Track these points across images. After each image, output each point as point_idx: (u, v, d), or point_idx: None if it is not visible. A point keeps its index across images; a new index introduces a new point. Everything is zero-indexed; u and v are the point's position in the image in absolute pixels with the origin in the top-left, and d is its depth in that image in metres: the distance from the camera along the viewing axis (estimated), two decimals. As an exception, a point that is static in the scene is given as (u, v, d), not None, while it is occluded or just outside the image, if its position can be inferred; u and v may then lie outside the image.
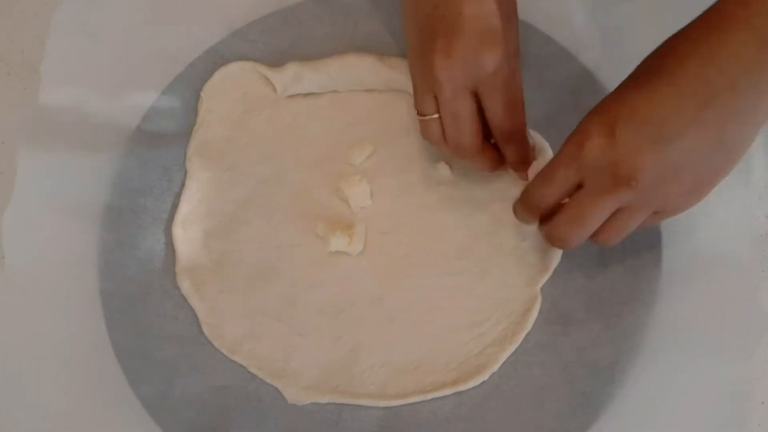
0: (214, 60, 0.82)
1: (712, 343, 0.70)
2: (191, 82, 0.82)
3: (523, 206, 0.69)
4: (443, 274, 0.76)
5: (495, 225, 0.76)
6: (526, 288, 0.74)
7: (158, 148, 0.81)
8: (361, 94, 0.82)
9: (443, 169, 0.78)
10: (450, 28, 0.67)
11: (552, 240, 0.67)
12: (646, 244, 0.73)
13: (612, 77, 0.78)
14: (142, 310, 0.76)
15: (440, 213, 0.77)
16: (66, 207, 0.78)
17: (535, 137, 0.76)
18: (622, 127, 0.61)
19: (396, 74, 0.80)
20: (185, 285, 0.77)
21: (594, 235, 0.66)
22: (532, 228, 0.75)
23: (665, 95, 0.61)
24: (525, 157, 0.72)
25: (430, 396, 0.72)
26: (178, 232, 0.78)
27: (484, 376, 0.72)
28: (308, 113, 0.82)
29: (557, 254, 0.74)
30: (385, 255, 0.77)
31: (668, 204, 0.64)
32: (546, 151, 0.76)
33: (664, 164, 0.61)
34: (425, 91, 0.70)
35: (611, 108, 0.63)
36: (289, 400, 0.73)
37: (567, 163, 0.64)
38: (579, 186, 0.64)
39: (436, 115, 0.70)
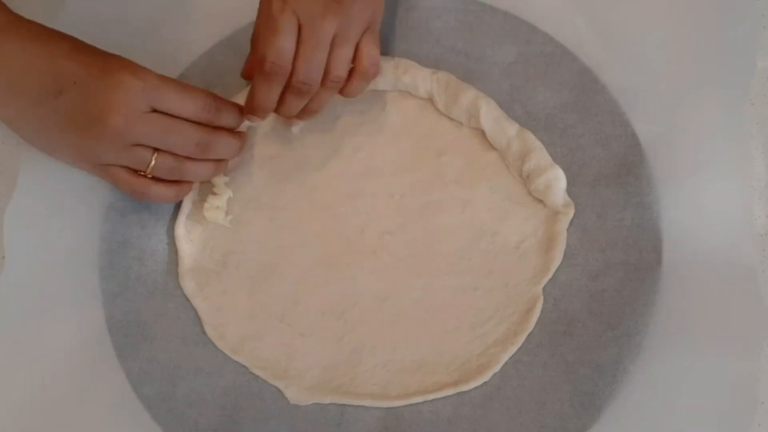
0: (213, 61, 0.82)
1: (713, 343, 0.70)
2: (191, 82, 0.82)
3: (266, 76, 0.72)
4: (446, 274, 0.76)
5: (497, 225, 0.76)
6: (528, 288, 0.74)
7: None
8: (365, 94, 0.81)
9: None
10: None
11: (292, 103, 0.74)
12: (648, 245, 0.73)
13: (613, 76, 0.78)
14: (145, 310, 0.76)
15: (443, 213, 0.77)
16: (67, 207, 0.78)
17: (528, 137, 0.76)
18: None
19: (400, 74, 0.80)
20: (188, 286, 0.77)
21: (325, 78, 0.73)
22: (534, 228, 0.75)
23: None
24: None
25: (432, 396, 0.72)
26: (181, 232, 0.78)
27: (486, 377, 0.72)
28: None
29: (559, 254, 0.74)
30: (389, 255, 0.77)
31: (372, 4, 0.74)
32: (540, 151, 0.76)
33: None
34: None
35: None
36: (291, 401, 0.73)
37: (282, 9, 0.71)
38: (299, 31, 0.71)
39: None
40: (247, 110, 0.75)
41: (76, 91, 0.70)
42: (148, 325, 0.76)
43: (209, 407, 0.73)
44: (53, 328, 0.76)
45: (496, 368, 0.72)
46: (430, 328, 0.74)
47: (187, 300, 0.77)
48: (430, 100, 0.80)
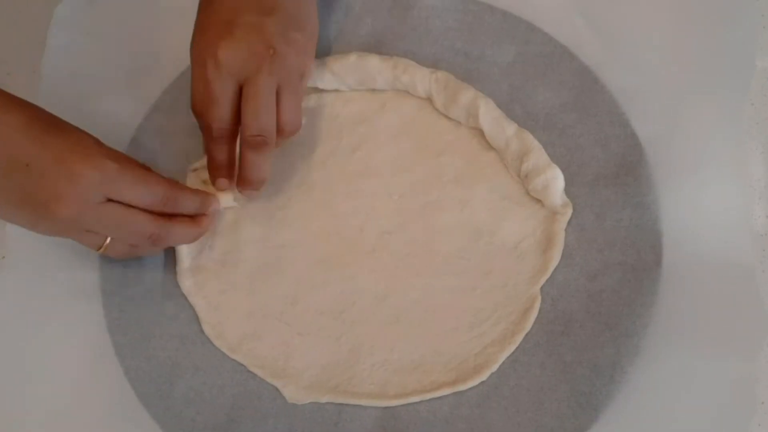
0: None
1: (713, 343, 0.70)
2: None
3: (216, 141, 0.74)
4: (445, 274, 0.76)
5: (496, 225, 0.76)
6: (526, 288, 0.74)
7: (161, 146, 0.81)
8: (364, 94, 0.82)
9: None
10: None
11: (254, 161, 0.74)
12: (646, 245, 0.73)
13: (612, 75, 0.78)
14: (143, 309, 0.76)
15: (442, 213, 0.77)
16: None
17: (526, 137, 0.76)
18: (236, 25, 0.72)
19: (399, 74, 0.80)
20: (187, 284, 0.77)
21: (279, 128, 0.74)
22: (533, 228, 0.75)
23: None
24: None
25: (429, 396, 0.72)
26: (180, 231, 0.78)
27: (484, 376, 0.72)
28: (311, 112, 0.82)
29: (557, 254, 0.74)
30: (388, 254, 0.77)
31: (304, 55, 0.75)
32: (538, 151, 0.76)
33: (281, 23, 0.73)
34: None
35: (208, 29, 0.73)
36: (288, 400, 0.73)
37: (218, 75, 0.71)
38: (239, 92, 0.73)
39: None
40: (212, 176, 0.76)
41: (28, 174, 0.67)
42: (146, 323, 0.76)
43: (207, 406, 0.73)
44: (53, 327, 0.76)
45: (494, 368, 0.72)
46: (429, 327, 0.74)
47: (186, 299, 0.77)
48: (429, 99, 0.80)
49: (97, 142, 0.70)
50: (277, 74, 0.72)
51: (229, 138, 0.74)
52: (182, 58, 0.81)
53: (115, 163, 0.69)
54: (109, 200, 0.69)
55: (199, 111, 0.73)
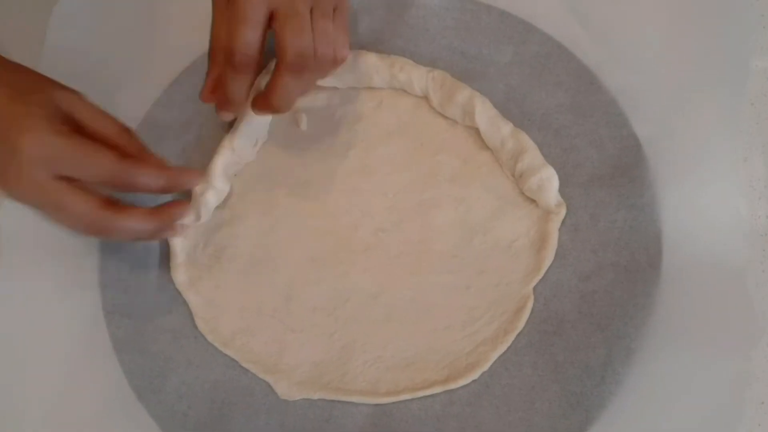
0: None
1: (710, 344, 0.70)
2: (192, 78, 0.82)
3: (236, 69, 0.71)
4: (439, 272, 0.76)
5: (490, 224, 0.76)
6: (519, 287, 0.74)
7: (157, 142, 0.81)
8: (361, 92, 0.82)
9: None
10: None
11: (290, 85, 0.72)
12: (640, 247, 0.73)
13: (611, 75, 0.78)
14: (137, 303, 0.77)
15: (437, 211, 0.77)
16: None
17: (521, 137, 0.76)
18: None
19: (396, 72, 0.80)
20: (181, 279, 0.77)
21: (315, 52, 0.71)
22: (527, 228, 0.75)
23: None
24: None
25: (420, 394, 0.72)
26: (175, 226, 0.78)
27: (475, 375, 0.72)
28: (307, 109, 0.82)
29: (550, 254, 0.74)
30: (382, 253, 0.77)
31: None
32: (533, 151, 0.76)
33: None
34: None
35: None
36: (280, 396, 0.73)
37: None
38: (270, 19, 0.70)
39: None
40: (221, 106, 0.74)
41: None
42: (140, 317, 0.76)
43: (199, 400, 0.74)
44: (48, 317, 0.77)
45: (486, 367, 0.72)
46: (422, 325, 0.74)
47: (180, 293, 0.77)
48: (426, 98, 0.80)
49: (48, 106, 0.67)
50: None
51: (250, 68, 0.71)
52: (181, 57, 0.82)
53: (59, 138, 0.66)
54: (61, 177, 0.67)
55: (223, 39, 0.71)
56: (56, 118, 0.67)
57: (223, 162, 0.78)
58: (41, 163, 0.66)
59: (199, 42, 0.80)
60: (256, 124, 0.79)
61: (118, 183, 0.68)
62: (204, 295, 0.77)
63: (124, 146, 0.69)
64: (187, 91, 0.82)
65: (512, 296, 0.74)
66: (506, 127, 0.77)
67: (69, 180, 0.67)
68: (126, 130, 0.71)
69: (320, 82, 0.81)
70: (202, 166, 0.79)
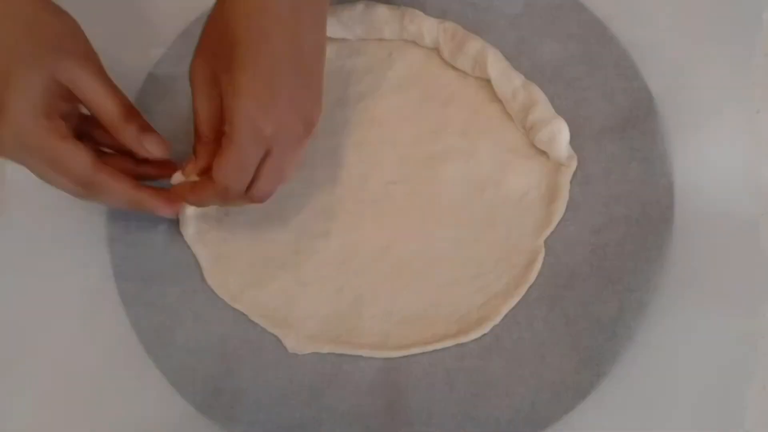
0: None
1: (722, 298, 0.70)
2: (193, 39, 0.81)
3: (223, 198, 0.70)
4: (448, 225, 0.75)
5: (501, 177, 0.75)
6: (529, 240, 0.73)
7: (164, 100, 0.81)
8: (371, 43, 0.81)
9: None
10: None
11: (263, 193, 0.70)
12: (651, 200, 0.72)
13: (623, 28, 0.77)
14: (146, 256, 0.76)
15: (447, 164, 0.77)
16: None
17: (532, 89, 0.76)
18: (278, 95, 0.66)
19: (406, 23, 0.79)
20: (189, 232, 0.77)
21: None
22: (537, 180, 0.74)
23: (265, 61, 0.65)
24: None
25: (430, 348, 0.72)
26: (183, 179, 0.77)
27: (485, 329, 0.71)
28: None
29: (561, 207, 0.73)
30: (391, 205, 0.76)
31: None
32: (544, 103, 0.75)
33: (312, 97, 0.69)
34: None
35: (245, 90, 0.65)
36: (289, 350, 0.73)
37: (257, 140, 0.66)
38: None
39: None
40: (191, 201, 0.72)
41: None
42: (148, 270, 0.76)
43: (207, 355, 0.73)
44: (56, 273, 0.77)
45: (496, 320, 0.71)
46: (431, 279, 0.74)
47: (189, 248, 0.77)
48: (436, 49, 0.79)
49: (38, 87, 0.67)
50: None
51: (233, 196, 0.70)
52: (182, 16, 0.81)
53: (34, 139, 0.67)
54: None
55: (221, 171, 0.68)
56: (44, 101, 0.67)
57: None
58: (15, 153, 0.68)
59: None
60: None
61: (85, 188, 0.70)
62: (213, 249, 0.77)
63: (121, 128, 0.70)
64: (193, 45, 0.81)
65: (523, 249, 0.73)
66: (517, 79, 0.76)
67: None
68: (127, 110, 0.70)
69: (330, 34, 0.79)
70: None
